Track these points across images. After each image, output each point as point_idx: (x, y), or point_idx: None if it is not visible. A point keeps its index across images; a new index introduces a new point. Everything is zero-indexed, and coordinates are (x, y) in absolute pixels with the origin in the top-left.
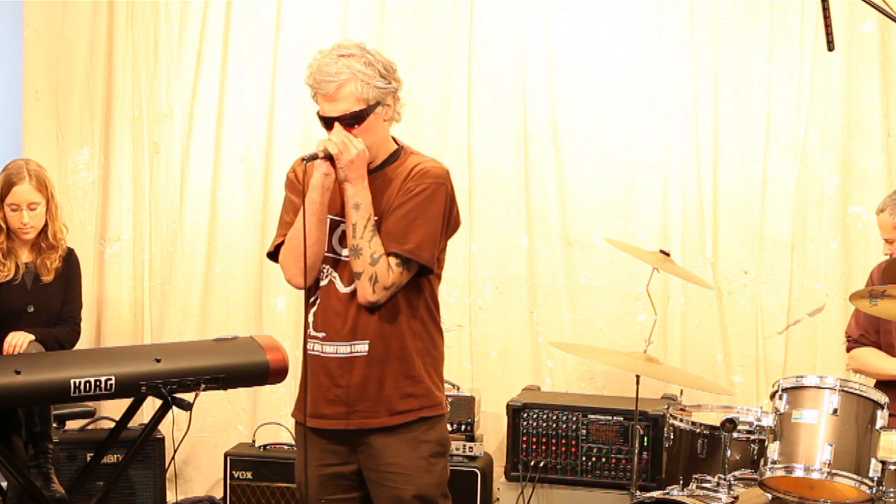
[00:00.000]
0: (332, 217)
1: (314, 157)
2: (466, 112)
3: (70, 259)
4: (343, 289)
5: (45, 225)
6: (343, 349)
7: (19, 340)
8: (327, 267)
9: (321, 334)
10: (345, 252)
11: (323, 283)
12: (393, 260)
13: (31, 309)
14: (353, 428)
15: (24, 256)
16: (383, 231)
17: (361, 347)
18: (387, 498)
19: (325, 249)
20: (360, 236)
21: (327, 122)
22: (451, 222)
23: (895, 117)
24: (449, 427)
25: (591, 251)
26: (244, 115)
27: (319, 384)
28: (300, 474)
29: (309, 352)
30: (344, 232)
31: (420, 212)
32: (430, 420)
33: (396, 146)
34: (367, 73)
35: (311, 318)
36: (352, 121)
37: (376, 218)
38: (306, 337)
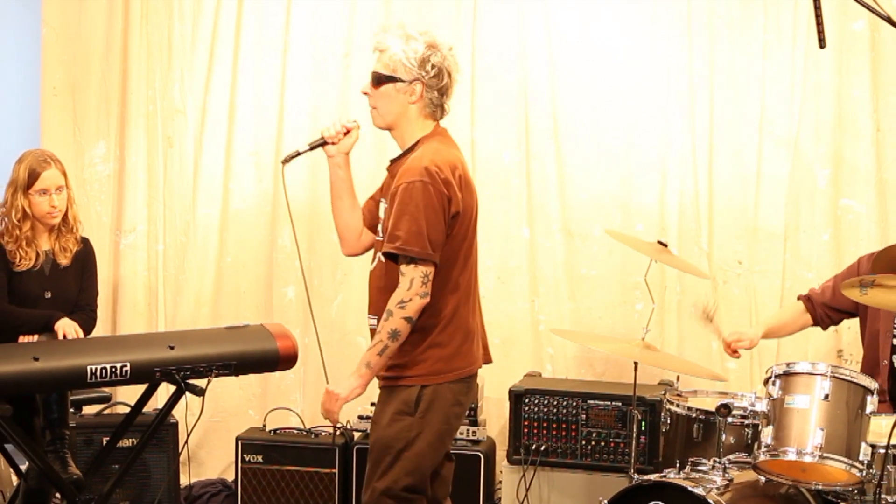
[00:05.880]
0: (382, 201)
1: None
2: (469, 108)
3: (86, 248)
4: (370, 267)
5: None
6: (369, 321)
7: (70, 329)
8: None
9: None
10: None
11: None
12: (403, 266)
13: (49, 295)
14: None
15: (44, 244)
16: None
17: (374, 322)
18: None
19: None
20: (381, 354)
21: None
22: (445, 210)
23: (885, 112)
24: None
25: (591, 242)
26: (255, 110)
27: None
28: None
29: None
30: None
31: (402, 211)
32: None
33: (423, 135)
34: (407, 52)
35: None
36: (375, 80)
37: (387, 205)
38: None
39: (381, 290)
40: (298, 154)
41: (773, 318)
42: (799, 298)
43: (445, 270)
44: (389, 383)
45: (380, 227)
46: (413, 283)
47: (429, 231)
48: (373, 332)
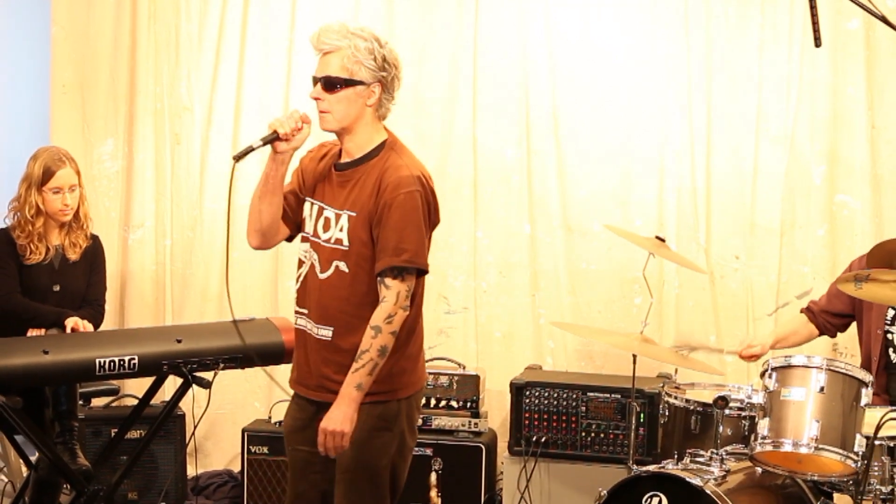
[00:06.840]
0: (316, 202)
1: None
2: (471, 105)
3: (95, 245)
4: (320, 275)
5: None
6: (314, 330)
7: (80, 328)
8: (308, 248)
9: (305, 310)
10: (324, 236)
11: (305, 263)
12: (388, 280)
13: (57, 288)
14: (322, 400)
15: (54, 239)
16: (378, 248)
17: (326, 332)
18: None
19: (311, 233)
20: (372, 373)
21: (314, 81)
22: (431, 220)
23: (879, 110)
24: (455, 405)
25: (591, 238)
26: (261, 107)
27: (302, 358)
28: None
29: (295, 326)
30: (326, 218)
31: (406, 222)
32: (384, 402)
33: (382, 140)
34: (364, 53)
35: (295, 294)
36: (329, 85)
37: (353, 214)
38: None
39: (344, 300)
40: (252, 150)
41: (781, 328)
42: (801, 311)
43: (419, 282)
44: (366, 399)
45: (320, 231)
46: (399, 296)
47: (427, 244)
48: (321, 341)
